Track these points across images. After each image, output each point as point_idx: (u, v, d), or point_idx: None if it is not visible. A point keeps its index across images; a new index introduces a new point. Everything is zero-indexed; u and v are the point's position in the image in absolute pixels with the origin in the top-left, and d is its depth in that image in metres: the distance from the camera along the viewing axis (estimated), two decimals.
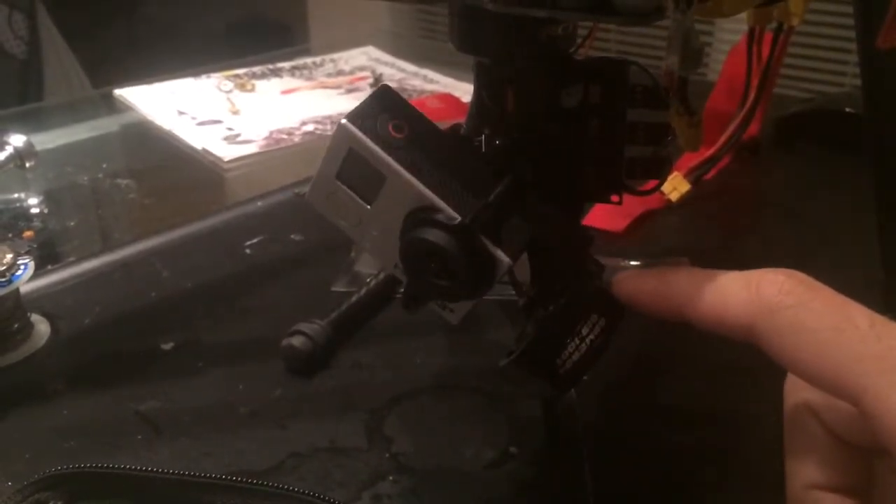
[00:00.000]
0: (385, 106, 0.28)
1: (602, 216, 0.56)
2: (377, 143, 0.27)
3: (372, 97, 0.28)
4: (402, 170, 0.27)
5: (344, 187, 0.29)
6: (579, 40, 0.31)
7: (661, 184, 0.33)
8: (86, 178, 0.68)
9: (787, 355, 0.23)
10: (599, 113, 0.31)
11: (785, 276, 0.24)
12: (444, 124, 0.31)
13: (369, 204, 0.28)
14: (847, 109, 0.72)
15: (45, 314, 0.46)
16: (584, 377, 0.30)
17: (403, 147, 0.27)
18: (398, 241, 0.28)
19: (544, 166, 0.31)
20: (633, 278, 0.29)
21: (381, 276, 0.48)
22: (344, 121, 0.27)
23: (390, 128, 0.28)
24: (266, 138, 0.77)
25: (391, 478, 0.35)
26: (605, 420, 0.40)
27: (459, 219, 0.27)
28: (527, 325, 0.30)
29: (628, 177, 0.32)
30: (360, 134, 0.27)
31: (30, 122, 0.84)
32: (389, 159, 0.27)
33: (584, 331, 0.29)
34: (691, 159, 0.62)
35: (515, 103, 0.30)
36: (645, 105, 0.31)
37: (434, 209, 0.27)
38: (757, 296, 0.24)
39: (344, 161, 0.28)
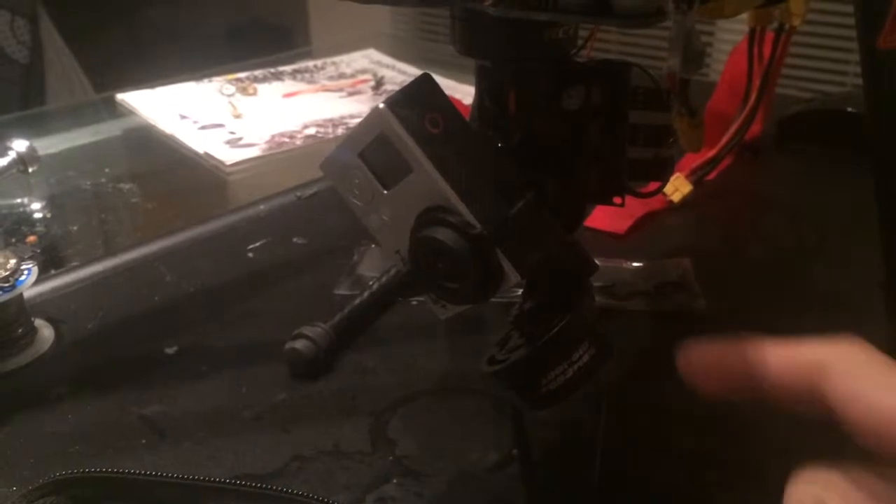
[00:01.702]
0: (424, 96, 0.27)
1: (604, 218, 0.56)
2: (411, 135, 0.27)
3: (413, 85, 0.28)
4: (431, 166, 0.27)
5: (364, 167, 0.28)
6: (580, 42, 0.31)
7: (664, 185, 0.33)
8: (88, 183, 0.69)
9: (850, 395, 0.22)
10: (601, 115, 0.31)
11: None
12: None
13: (387, 189, 0.28)
14: (848, 109, 0.72)
15: (48, 319, 0.47)
16: (564, 400, 0.30)
17: (436, 143, 0.27)
18: (406, 229, 0.28)
19: (547, 168, 0.31)
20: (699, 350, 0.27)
21: (384, 279, 0.48)
22: (382, 105, 0.27)
23: (426, 121, 0.27)
24: (268, 142, 0.77)
25: (395, 480, 0.35)
26: (608, 422, 0.39)
27: (479, 228, 0.26)
28: (512, 333, 0.30)
29: (631, 178, 0.32)
30: (396, 122, 0.27)
31: (32, 127, 0.85)
32: (421, 153, 0.27)
33: (574, 356, 0.29)
34: (693, 160, 0.62)
35: (517, 106, 0.30)
36: (646, 107, 0.31)
37: (453, 211, 0.27)
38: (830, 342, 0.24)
39: (371, 143, 0.28)
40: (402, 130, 0.27)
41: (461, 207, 0.27)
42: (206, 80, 0.94)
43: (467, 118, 0.33)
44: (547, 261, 0.28)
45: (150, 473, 0.33)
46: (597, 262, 0.31)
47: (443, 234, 0.27)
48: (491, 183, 0.27)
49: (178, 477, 0.33)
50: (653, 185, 0.33)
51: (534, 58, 0.29)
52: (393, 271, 0.46)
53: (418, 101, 0.27)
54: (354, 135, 0.28)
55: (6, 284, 0.41)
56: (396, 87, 0.97)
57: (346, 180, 0.29)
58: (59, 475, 0.33)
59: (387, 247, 0.30)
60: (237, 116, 0.83)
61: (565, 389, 0.29)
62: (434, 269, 0.28)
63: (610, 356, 0.30)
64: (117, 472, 0.34)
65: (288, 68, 1.00)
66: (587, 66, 0.31)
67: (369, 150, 0.28)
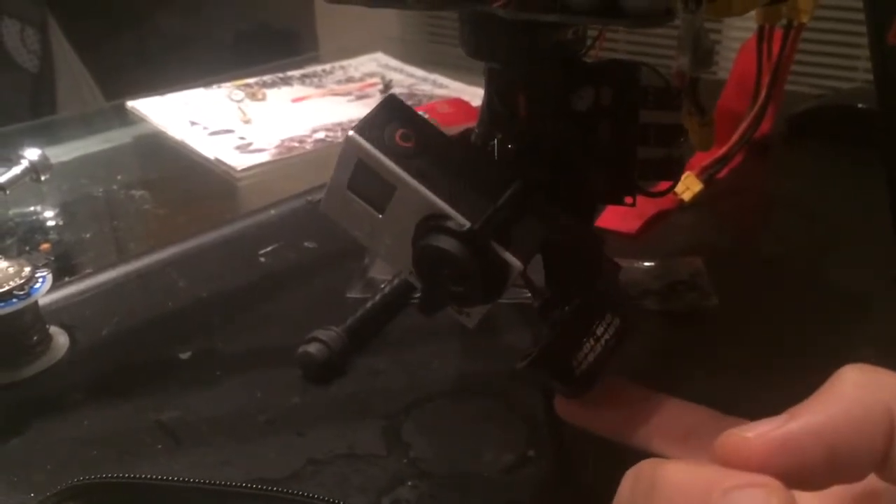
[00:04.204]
0: (392, 115, 0.28)
1: (615, 217, 0.56)
2: (385, 154, 0.27)
3: (379, 107, 0.28)
4: (410, 179, 0.27)
5: (355, 197, 0.29)
6: (589, 42, 0.31)
7: (675, 185, 0.33)
8: (100, 190, 0.69)
9: None
10: (611, 115, 0.31)
11: None
12: (454, 129, 0.31)
13: (381, 213, 0.29)
14: (859, 105, 0.72)
15: (63, 326, 0.47)
16: (600, 379, 0.30)
17: (411, 156, 0.28)
18: (409, 248, 0.28)
19: (557, 169, 0.31)
20: None
21: (396, 281, 0.48)
22: (352, 132, 0.28)
23: (398, 137, 0.28)
24: (278, 146, 0.77)
25: (410, 483, 0.35)
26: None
27: (469, 225, 0.27)
28: (543, 328, 0.30)
29: (641, 178, 0.32)
30: (367, 145, 0.27)
31: (44, 136, 0.85)
32: (398, 169, 0.27)
33: (599, 331, 0.29)
34: (703, 158, 0.62)
35: (527, 107, 0.30)
36: (657, 106, 0.31)
37: (444, 216, 0.27)
38: None
39: (354, 172, 0.28)
40: (375, 152, 0.27)
41: (449, 210, 0.27)
42: (215, 87, 0.94)
43: (475, 120, 0.34)
44: (548, 244, 0.28)
45: (168, 478, 0.34)
46: None
47: (437, 240, 0.27)
48: (475, 182, 0.28)
49: (195, 481, 0.34)
50: (663, 185, 0.33)
51: (543, 59, 0.29)
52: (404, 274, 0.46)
53: (386, 120, 0.28)
54: (338, 170, 0.29)
55: (21, 292, 0.42)
56: (405, 90, 0.97)
57: (346, 215, 0.30)
58: (77, 481, 0.33)
59: (401, 269, 0.30)
60: (247, 122, 0.84)
61: (598, 366, 0.29)
62: (441, 276, 0.28)
63: (635, 325, 0.30)
64: (135, 477, 0.34)
65: (296, 73, 1.00)
66: (596, 66, 0.31)
67: (355, 180, 0.29)
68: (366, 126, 0.28)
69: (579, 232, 0.30)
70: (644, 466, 0.21)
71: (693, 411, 0.28)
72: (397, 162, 0.27)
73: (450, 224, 0.27)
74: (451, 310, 0.30)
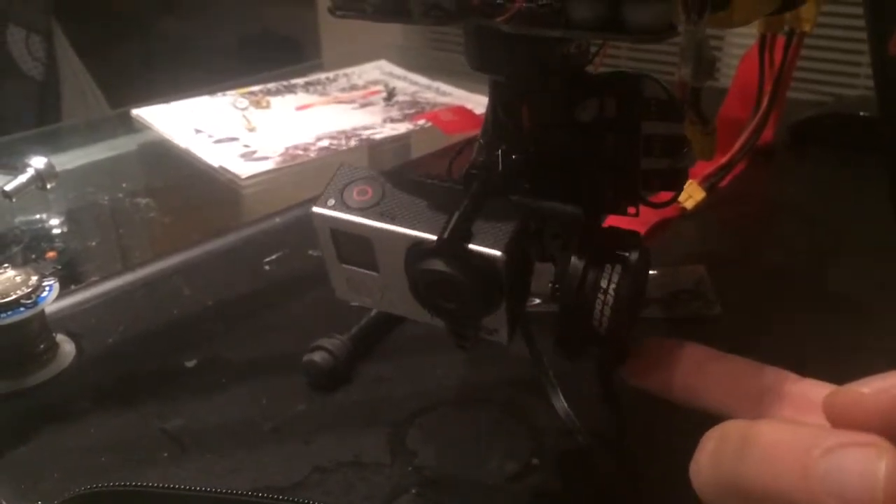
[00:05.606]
0: (345, 179, 0.30)
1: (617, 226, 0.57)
2: (348, 212, 0.29)
3: (332, 178, 0.31)
4: (377, 224, 0.29)
5: (350, 267, 0.31)
6: (593, 52, 0.32)
7: (678, 196, 0.34)
8: (106, 198, 0.69)
9: None
10: (615, 126, 0.32)
11: None
12: (458, 137, 0.32)
13: (377, 271, 0.30)
14: (861, 113, 0.72)
15: (69, 334, 0.47)
16: (629, 336, 0.30)
17: (372, 205, 0.29)
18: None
19: (560, 180, 0.31)
20: None
21: None
22: (314, 208, 0.30)
23: (355, 194, 0.30)
24: (282, 154, 0.77)
25: (415, 491, 0.35)
26: (624, 430, 0.40)
27: (437, 236, 0.28)
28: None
29: (644, 189, 0.33)
30: (330, 212, 0.30)
31: (49, 143, 0.86)
32: (363, 220, 0.29)
33: (604, 283, 0.28)
34: (706, 167, 0.62)
35: (531, 119, 0.31)
36: (660, 118, 0.32)
37: (419, 243, 0.28)
38: None
39: (335, 244, 0.30)
40: (339, 215, 0.30)
41: (419, 235, 0.28)
42: (219, 95, 0.95)
43: (478, 128, 0.34)
44: (527, 231, 0.29)
45: (175, 487, 0.34)
46: None
47: (417, 265, 0.28)
48: (437, 203, 0.29)
49: (201, 489, 0.34)
50: (666, 196, 0.34)
51: (547, 72, 0.29)
52: None
53: (341, 186, 0.30)
54: (324, 252, 0.31)
55: (28, 301, 0.42)
56: (408, 98, 0.97)
57: (354, 290, 0.31)
58: (84, 489, 0.34)
59: (422, 318, 0.31)
60: (251, 130, 0.84)
61: (619, 320, 0.28)
62: (441, 300, 0.28)
63: (644, 258, 0.29)
64: (142, 485, 0.34)
65: (300, 81, 1.01)
66: (600, 78, 0.32)
67: (340, 251, 0.31)
68: (323, 198, 0.30)
69: (551, 208, 0.30)
70: (732, 426, 0.20)
71: (766, 372, 0.27)
72: (361, 214, 0.29)
73: (424, 246, 0.28)
74: (482, 335, 0.31)
